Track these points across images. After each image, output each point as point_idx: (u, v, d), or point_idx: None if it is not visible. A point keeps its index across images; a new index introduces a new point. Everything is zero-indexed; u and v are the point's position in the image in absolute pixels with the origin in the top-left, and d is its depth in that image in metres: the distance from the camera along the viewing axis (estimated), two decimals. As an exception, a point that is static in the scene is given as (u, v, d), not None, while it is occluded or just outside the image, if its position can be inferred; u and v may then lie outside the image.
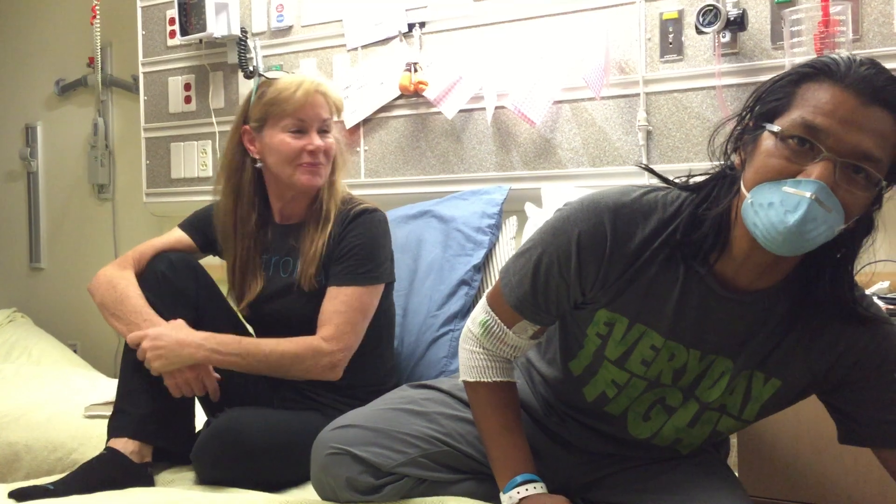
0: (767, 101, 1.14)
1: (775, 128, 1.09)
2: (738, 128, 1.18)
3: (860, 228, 1.16)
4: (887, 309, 1.61)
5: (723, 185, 1.19)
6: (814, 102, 1.08)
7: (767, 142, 1.10)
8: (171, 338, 1.71)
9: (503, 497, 1.31)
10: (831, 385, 1.27)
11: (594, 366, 1.33)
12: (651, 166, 1.48)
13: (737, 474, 1.68)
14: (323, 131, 1.86)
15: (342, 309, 1.79)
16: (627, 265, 1.23)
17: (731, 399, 1.28)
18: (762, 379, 1.25)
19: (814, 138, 1.06)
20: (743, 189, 1.13)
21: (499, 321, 1.34)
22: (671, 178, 1.31)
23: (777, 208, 1.07)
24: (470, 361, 1.38)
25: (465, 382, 1.40)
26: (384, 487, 1.38)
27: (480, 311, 1.38)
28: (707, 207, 1.19)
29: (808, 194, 1.04)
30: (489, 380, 1.36)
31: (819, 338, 1.23)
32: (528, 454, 1.34)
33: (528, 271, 1.29)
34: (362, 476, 1.37)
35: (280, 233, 1.91)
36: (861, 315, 1.21)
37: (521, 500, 1.28)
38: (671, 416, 1.31)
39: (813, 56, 1.94)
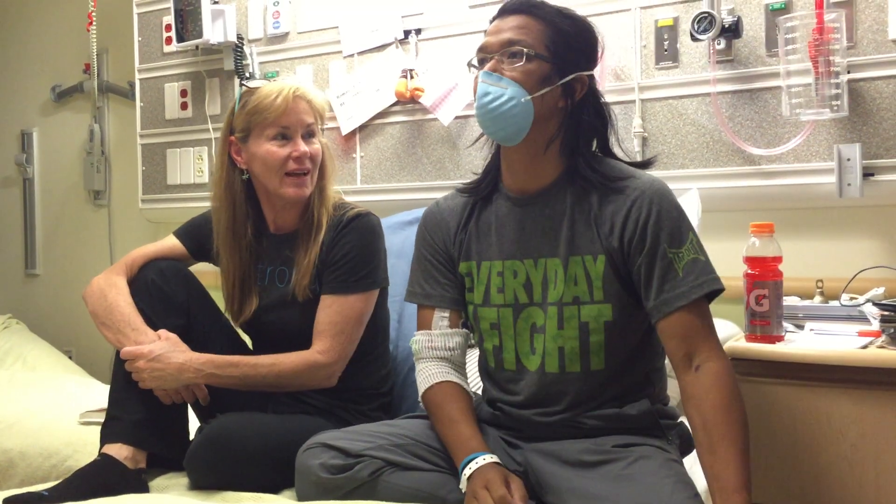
0: None
1: (474, 61, 1.54)
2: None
3: (591, 117, 1.51)
4: (882, 315, 1.62)
5: None
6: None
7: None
8: (170, 362, 1.71)
9: (461, 480, 1.42)
10: (627, 252, 1.45)
11: (477, 322, 1.56)
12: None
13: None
14: (308, 136, 1.85)
15: (337, 319, 1.79)
16: (459, 220, 1.60)
17: (577, 289, 1.47)
18: (591, 259, 1.47)
19: (482, 52, 1.52)
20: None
21: (420, 333, 1.59)
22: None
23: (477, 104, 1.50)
24: (418, 382, 1.58)
25: (421, 400, 1.57)
26: (355, 466, 1.46)
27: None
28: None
29: (479, 80, 1.49)
30: (433, 382, 1.54)
31: (605, 210, 1.47)
32: (477, 436, 1.46)
33: (413, 267, 1.65)
34: (334, 459, 1.47)
35: (274, 243, 1.90)
36: (616, 183, 1.48)
37: (470, 475, 1.39)
38: (545, 333, 1.48)
39: (808, 64, 1.95)
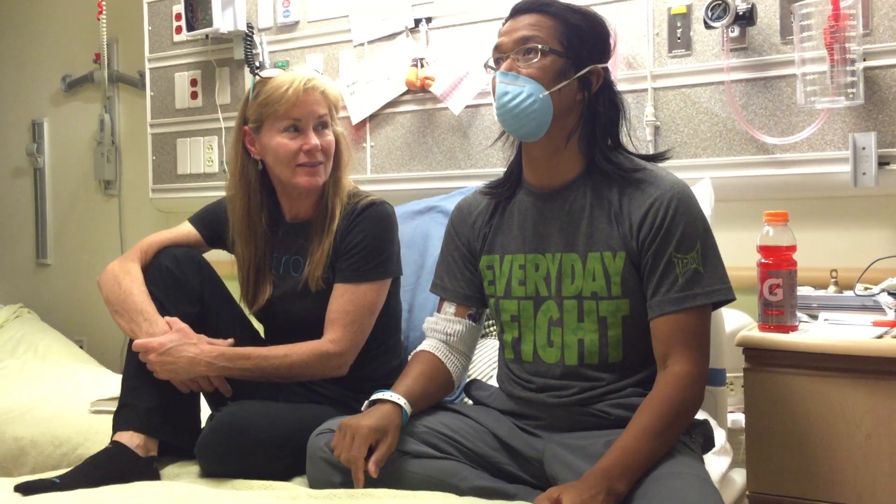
0: None
1: (490, 62, 1.57)
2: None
3: (608, 109, 1.53)
4: (897, 305, 1.61)
5: None
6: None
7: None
8: (181, 356, 1.70)
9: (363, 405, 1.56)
10: (640, 248, 1.47)
11: (498, 314, 1.60)
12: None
13: (745, 471, 1.67)
14: (321, 128, 1.84)
15: (349, 308, 1.78)
16: (484, 215, 1.64)
17: (596, 284, 1.49)
18: (611, 256, 1.48)
19: (497, 52, 1.54)
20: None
21: (431, 316, 1.69)
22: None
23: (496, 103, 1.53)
24: None
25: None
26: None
27: None
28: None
29: (497, 80, 1.51)
30: (419, 349, 1.66)
31: (625, 207, 1.49)
32: (407, 387, 1.56)
33: (439, 259, 1.71)
34: None
35: (290, 232, 1.90)
36: (636, 178, 1.50)
37: (364, 407, 1.53)
38: (563, 326, 1.52)
39: (823, 51, 1.93)
